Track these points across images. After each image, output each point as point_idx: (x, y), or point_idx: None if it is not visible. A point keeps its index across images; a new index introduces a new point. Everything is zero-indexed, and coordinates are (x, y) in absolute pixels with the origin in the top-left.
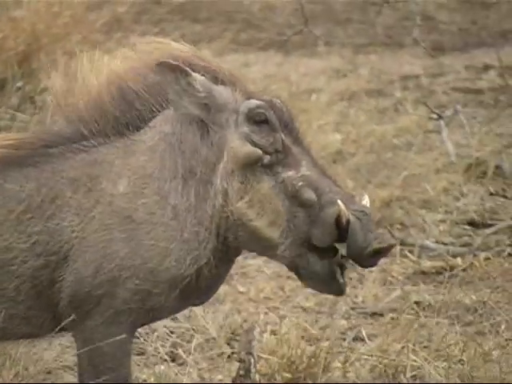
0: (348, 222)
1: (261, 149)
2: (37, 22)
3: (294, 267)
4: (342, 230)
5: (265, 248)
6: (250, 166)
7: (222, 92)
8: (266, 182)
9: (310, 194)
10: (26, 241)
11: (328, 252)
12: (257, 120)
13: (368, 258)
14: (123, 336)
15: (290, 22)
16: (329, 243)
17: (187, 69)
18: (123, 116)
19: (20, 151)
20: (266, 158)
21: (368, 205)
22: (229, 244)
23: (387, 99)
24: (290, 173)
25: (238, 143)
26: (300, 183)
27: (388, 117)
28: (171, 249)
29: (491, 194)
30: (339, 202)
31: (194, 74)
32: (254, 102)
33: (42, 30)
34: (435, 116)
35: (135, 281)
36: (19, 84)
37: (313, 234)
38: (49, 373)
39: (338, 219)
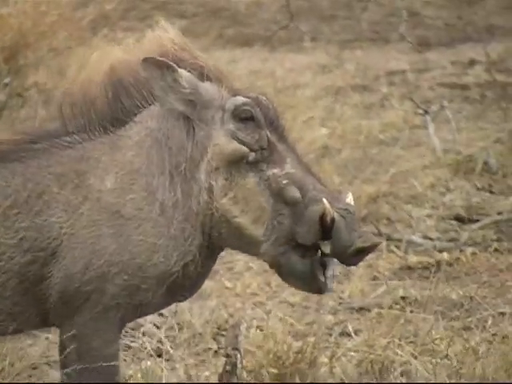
0: (333, 220)
1: (246, 146)
2: (24, 20)
3: (275, 265)
4: (326, 228)
5: (248, 245)
6: (235, 163)
7: (208, 89)
8: (251, 179)
9: (294, 192)
10: (13, 236)
11: (311, 250)
12: (242, 117)
13: (351, 256)
14: (112, 331)
15: (276, 18)
16: (313, 241)
17: (173, 65)
18: (109, 111)
19: (5, 146)
20: (251, 156)
21: (352, 202)
22: (213, 241)
23: (373, 94)
24: (275, 170)
25: (223, 140)
26: (285, 181)
27: (374, 112)
28: (159, 245)
29: (478, 190)
30: (324, 200)
31: (180, 70)
32: (240, 99)
33: (29, 27)
34: (421, 111)
35: (124, 276)
36: (6, 80)
37: (297, 232)
38: (35, 368)
39: (322, 217)
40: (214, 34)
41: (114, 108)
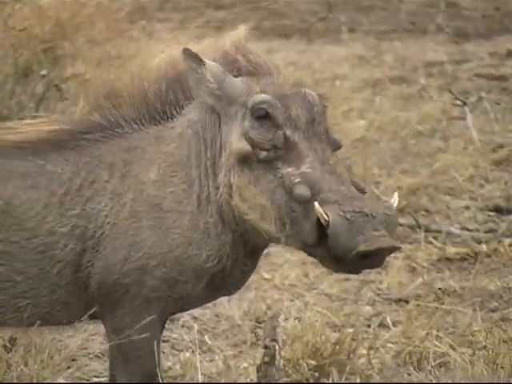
0: (327, 223)
1: (255, 144)
2: (62, 11)
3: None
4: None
5: (270, 240)
6: (245, 161)
7: (237, 84)
8: (264, 177)
9: (303, 191)
10: (66, 224)
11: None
12: (258, 115)
13: (354, 261)
14: (152, 324)
15: (314, 9)
16: (312, 242)
17: (202, 58)
18: (160, 104)
19: (60, 135)
20: (263, 154)
21: (395, 204)
22: (245, 238)
23: (411, 86)
24: (290, 169)
25: (234, 138)
26: (297, 180)
27: (412, 104)
28: (194, 238)
29: None
30: (316, 203)
31: (207, 64)
32: (259, 97)
33: (67, 18)
34: (459, 102)
35: (162, 269)
36: (44, 72)
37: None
38: (74, 360)
39: (318, 220)
40: (252, 25)
41: (165, 101)
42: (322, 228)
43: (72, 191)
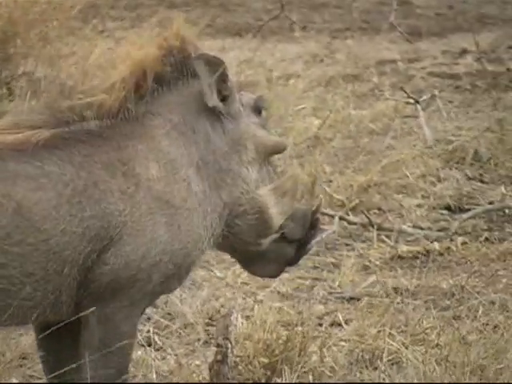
0: None
1: None
2: (13, 8)
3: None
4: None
5: (257, 238)
6: (270, 155)
7: (233, 83)
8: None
9: None
10: (79, 225)
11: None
12: (260, 110)
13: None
14: (138, 318)
15: (267, 8)
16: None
17: (225, 64)
18: (129, 102)
19: (42, 135)
20: None
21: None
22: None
23: (364, 84)
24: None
25: (262, 133)
26: None
27: (365, 102)
28: (202, 235)
29: (468, 179)
30: None
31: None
32: (251, 95)
33: (19, 16)
34: (412, 101)
35: (170, 266)
36: None
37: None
38: (24, 358)
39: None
40: (205, 23)
41: (130, 98)
42: None
43: (78, 192)
